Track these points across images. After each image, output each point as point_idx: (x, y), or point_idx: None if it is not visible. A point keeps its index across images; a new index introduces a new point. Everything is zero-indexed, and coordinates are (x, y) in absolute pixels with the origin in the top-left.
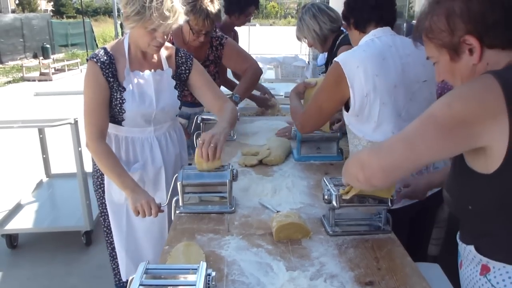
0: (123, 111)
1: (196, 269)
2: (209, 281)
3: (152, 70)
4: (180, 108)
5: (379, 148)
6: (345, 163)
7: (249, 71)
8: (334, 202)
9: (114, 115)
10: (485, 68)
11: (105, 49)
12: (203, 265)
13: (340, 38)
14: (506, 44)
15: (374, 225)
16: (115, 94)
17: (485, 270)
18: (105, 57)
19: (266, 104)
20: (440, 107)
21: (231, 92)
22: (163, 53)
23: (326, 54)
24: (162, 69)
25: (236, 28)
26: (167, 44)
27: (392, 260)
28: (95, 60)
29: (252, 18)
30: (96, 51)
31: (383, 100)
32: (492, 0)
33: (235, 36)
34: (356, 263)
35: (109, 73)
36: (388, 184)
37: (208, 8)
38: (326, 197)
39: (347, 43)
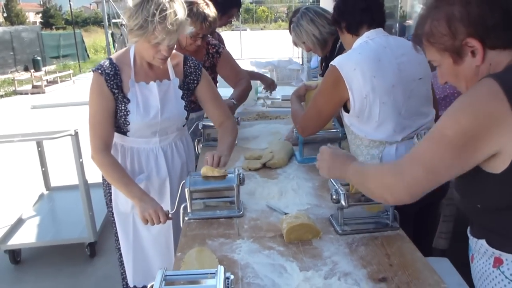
0: (128, 123)
1: (214, 273)
2: (228, 284)
3: (158, 80)
4: (187, 118)
5: (401, 174)
6: (360, 178)
7: (243, 83)
8: (342, 202)
9: (120, 126)
10: (488, 68)
11: (110, 59)
12: (221, 268)
13: (340, 41)
14: (507, 44)
15: (382, 223)
16: (120, 105)
17: (498, 262)
18: (110, 68)
19: (273, 85)
20: (450, 124)
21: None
22: (170, 61)
23: (318, 57)
24: (169, 78)
25: (227, 33)
26: (174, 51)
27: (403, 256)
28: (99, 71)
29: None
30: (101, 62)
31: (382, 100)
32: (490, 3)
33: (219, 39)
34: (368, 260)
35: (113, 84)
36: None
37: (205, 11)
38: (334, 196)
39: None
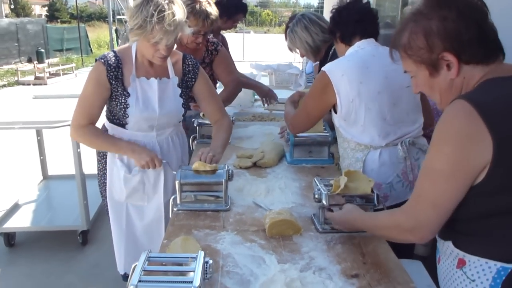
0: (127, 115)
1: (194, 257)
2: (206, 268)
3: (158, 77)
4: (184, 115)
5: (415, 218)
6: (381, 231)
7: (232, 84)
8: (324, 201)
9: (119, 118)
10: (461, 81)
11: (114, 52)
12: (201, 253)
13: (333, 47)
14: (480, 59)
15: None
16: (120, 98)
17: (461, 263)
18: (113, 59)
19: (269, 95)
20: (436, 157)
21: None
22: (170, 60)
23: (312, 63)
24: (168, 77)
25: (231, 35)
26: (174, 50)
27: (377, 256)
28: (102, 61)
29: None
30: (106, 53)
31: (368, 105)
32: (466, 19)
33: (223, 41)
34: (344, 257)
35: (113, 76)
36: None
37: (207, 9)
38: (316, 196)
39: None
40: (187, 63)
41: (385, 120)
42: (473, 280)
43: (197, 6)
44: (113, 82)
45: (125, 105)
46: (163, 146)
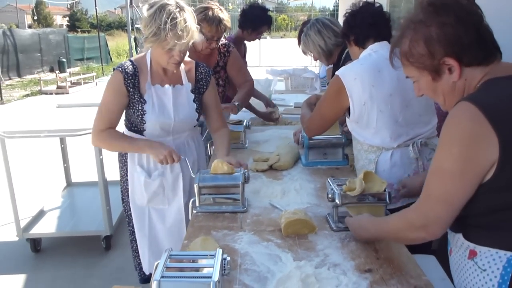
0: (144, 122)
1: (213, 255)
2: (224, 264)
3: (172, 84)
4: (198, 119)
5: (425, 216)
6: (393, 234)
7: (246, 86)
8: (337, 200)
9: (137, 125)
10: (464, 83)
11: (131, 61)
12: (219, 251)
13: (345, 51)
14: (480, 60)
15: None
16: (136, 105)
17: (472, 254)
18: (130, 68)
19: (270, 118)
20: (444, 157)
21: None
22: (183, 67)
23: (325, 67)
24: (182, 83)
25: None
26: (186, 58)
27: (390, 251)
28: (120, 69)
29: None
30: (123, 62)
31: (380, 108)
32: (464, 23)
33: (244, 48)
34: (357, 254)
35: (130, 83)
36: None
37: (220, 15)
38: (330, 195)
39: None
40: (200, 70)
41: (397, 122)
42: (484, 270)
43: (210, 13)
44: (131, 89)
45: (142, 112)
46: (180, 150)
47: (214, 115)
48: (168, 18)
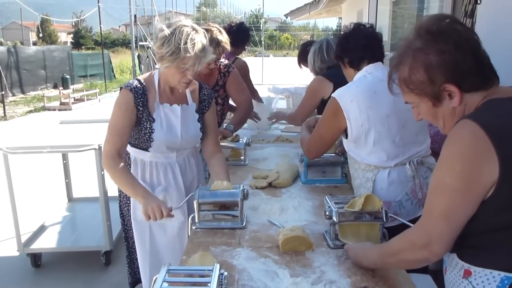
0: (152, 140)
1: (211, 270)
2: (222, 279)
3: (179, 104)
4: (202, 138)
5: (428, 234)
6: (392, 257)
7: (243, 105)
8: (334, 218)
9: (142, 142)
10: (463, 108)
11: (139, 80)
12: (217, 266)
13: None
14: (479, 86)
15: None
16: (145, 123)
17: (467, 274)
18: (139, 86)
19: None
20: (447, 173)
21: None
22: (188, 88)
23: None
24: (187, 103)
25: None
26: None
27: (386, 269)
28: (130, 88)
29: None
30: (131, 81)
31: (377, 129)
32: (463, 50)
33: (244, 66)
34: (354, 271)
35: (139, 102)
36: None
37: (218, 37)
38: (327, 213)
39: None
40: (203, 92)
41: (394, 142)
42: None
43: (209, 35)
44: (140, 108)
45: (150, 130)
46: (181, 166)
47: (210, 137)
48: (187, 39)
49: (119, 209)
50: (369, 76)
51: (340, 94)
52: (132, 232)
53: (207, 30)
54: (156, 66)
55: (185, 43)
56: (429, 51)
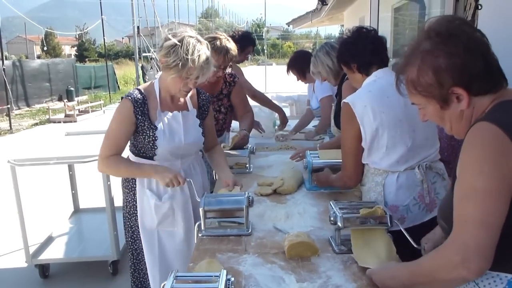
0: (156, 147)
1: (218, 276)
2: (229, 285)
3: (180, 111)
4: (204, 143)
5: (465, 246)
6: (425, 277)
7: (249, 116)
8: (339, 223)
9: (146, 151)
10: (471, 111)
11: (139, 89)
12: (224, 272)
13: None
14: (488, 89)
15: None
16: (147, 131)
17: None
18: (139, 96)
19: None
20: (476, 177)
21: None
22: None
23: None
24: (187, 109)
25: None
26: None
27: None
28: (130, 98)
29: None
30: (131, 91)
31: (390, 133)
32: (472, 54)
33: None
34: (359, 276)
35: (139, 111)
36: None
37: (227, 45)
38: (332, 218)
39: None
40: (201, 97)
41: (407, 146)
42: None
43: (218, 43)
44: (140, 117)
45: (153, 138)
46: (187, 173)
47: (210, 136)
48: (194, 50)
49: (122, 220)
50: (379, 81)
51: (353, 100)
52: (137, 242)
53: (216, 38)
54: (156, 76)
55: (192, 53)
56: (438, 54)
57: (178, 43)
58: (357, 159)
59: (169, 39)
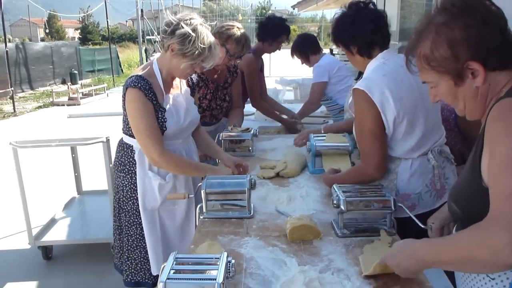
0: (165, 129)
1: (218, 258)
2: (229, 267)
3: (179, 91)
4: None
5: (499, 220)
6: (448, 255)
7: (239, 113)
8: (342, 206)
9: None
10: (487, 88)
11: (140, 76)
12: (224, 254)
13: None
14: (506, 65)
15: (380, 228)
16: (157, 114)
17: None
18: (144, 83)
19: (294, 128)
20: None
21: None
22: None
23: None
24: (182, 89)
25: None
26: None
27: None
28: (138, 87)
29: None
30: (133, 79)
31: (409, 119)
32: (490, 25)
33: (261, 62)
34: None
35: (149, 96)
36: None
37: (246, 35)
38: (335, 202)
39: None
40: (189, 78)
41: (422, 132)
42: (493, 279)
43: (237, 32)
44: (154, 102)
45: (163, 120)
46: (187, 151)
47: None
48: (208, 39)
49: (117, 204)
50: (389, 63)
51: (369, 86)
52: (134, 225)
53: (234, 26)
54: (151, 58)
55: (208, 43)
56: (454, 25)
57: (192, 34)
58: (384, 147)
59: (181, 28)
